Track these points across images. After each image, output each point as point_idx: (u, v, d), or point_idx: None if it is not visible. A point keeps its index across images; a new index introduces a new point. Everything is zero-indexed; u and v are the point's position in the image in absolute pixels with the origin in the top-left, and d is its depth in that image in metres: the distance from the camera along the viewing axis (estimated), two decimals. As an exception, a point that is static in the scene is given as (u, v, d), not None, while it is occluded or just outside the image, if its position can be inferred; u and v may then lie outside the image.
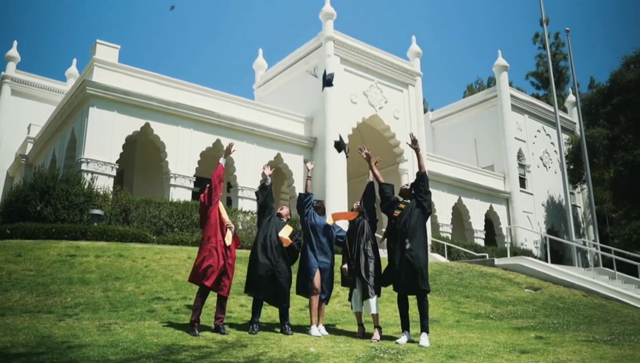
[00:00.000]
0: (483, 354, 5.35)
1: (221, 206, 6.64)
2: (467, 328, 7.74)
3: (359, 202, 6.99)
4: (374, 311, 6.32)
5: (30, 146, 20.77)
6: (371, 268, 6.42)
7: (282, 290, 6.53)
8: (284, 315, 6.55)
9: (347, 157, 7.38)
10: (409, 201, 6.52)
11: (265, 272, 6.47)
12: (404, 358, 5.04)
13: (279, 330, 6.60)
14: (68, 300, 7.53)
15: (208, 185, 6.53)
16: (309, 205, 7.06)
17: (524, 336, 7.01)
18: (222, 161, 6.64)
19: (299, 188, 19.25)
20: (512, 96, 28.18)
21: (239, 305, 8.12)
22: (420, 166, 6.53)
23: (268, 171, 7.28)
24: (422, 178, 6.49)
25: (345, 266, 6.71)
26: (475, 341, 6.33)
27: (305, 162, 7.67)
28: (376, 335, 6.23)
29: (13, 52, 23.56)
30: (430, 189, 18.51)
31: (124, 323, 6.34)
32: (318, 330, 6.50)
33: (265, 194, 7.08)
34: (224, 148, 17.33)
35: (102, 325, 6.12)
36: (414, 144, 6.58)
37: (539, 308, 10.22)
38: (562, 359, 5.27)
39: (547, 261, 15.83)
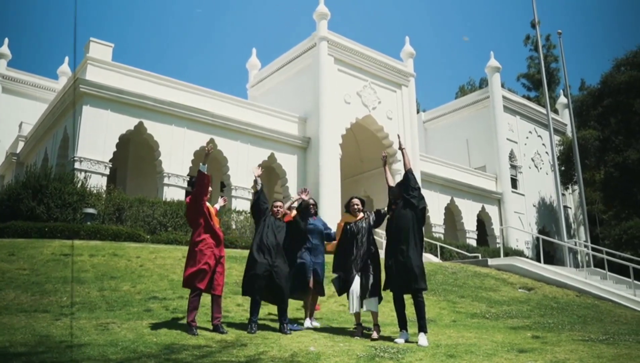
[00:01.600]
0: (482, 353, 5.37)
1: (209, 206, 6.60)
2: (464, 327, 7.77)
3: (359, 201, 6.93)
4: (374, 309, 6.36)
5: (21, 144, 20.60)
6: (372, 267, 6.44)
7: (280, 290, 6.50)
8: (282, 314, 6.53)
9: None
10: (399, 201, 6.52)
11: (262, 272, 6.42)
12: (404, 358, 5.05)
13: (277, 329, 6.58)
14: (64, 299, 7.47)
15: (191, 189, 6.58)
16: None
17: (521, 335, 7.05)
18: (203, 168, 6.41)
19: (293, 188, 19.25)
20: (504, 97, 28.38)
21: (236, 305, 8.09)
22: (405, 163, 6.57)
23: (258, 172, 7.14)
24: (406, 175, 6.48)
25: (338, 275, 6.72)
26: (473, 340, 6.36)
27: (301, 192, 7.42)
28: (374, 335, 6.25)
29: (4, 49, 23.40)
30: (424, 189, 18.58)
31: (121, 322, 6.31)
32: (310, 323, 6.92)
33: (255, 198, 7.01)
34: (218, 147, 17.47)
35: (99, 325, 6.08)
36: (401, 146, 6.77)
37: (533, 308, 10.29)
38: (560, 358, 5.30)
39: (539, 261, 15.92)
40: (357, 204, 6.86)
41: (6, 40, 23.47)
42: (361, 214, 6.79)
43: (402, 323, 6.24)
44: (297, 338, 5.94)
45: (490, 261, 15.20)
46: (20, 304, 7.11)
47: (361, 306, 6.43)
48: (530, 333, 7.38)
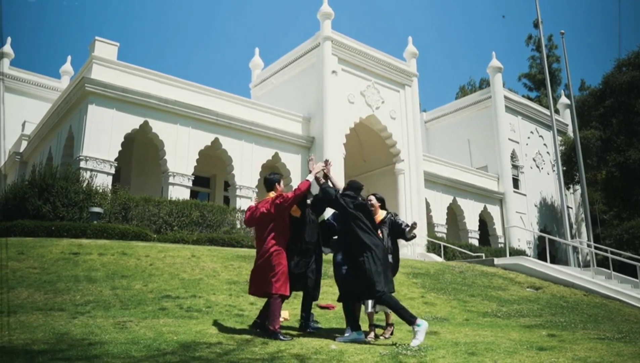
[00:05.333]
0: (503, 351, 5.37)
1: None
2: (478, 326, 7.78)
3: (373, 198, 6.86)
4: (388, 310, 6.37)
5: (24, 144, 20.52)
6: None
7: (311, 282, 6.29)
8: (307, 308, 6.40)
9: None
10: None
11: (298, 271, 6.17)
12: (426, 355, 5.04)
13: (296, 327, 6.56)
14: (77, 297, 7.44)
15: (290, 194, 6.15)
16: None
17: (536, 334, 7.05)
18: (309, 177, 6.32)
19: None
20: (505, 97, 28.44)
21: (249, 303, 8.06)
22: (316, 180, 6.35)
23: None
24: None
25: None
26: (490, 338, 6.36)
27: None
28: (388, 334, 6.32)
29: (7, 48, 23.33)
30: (426, 189, 18.58)
31: (138, 321, 6.29)
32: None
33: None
34: (222, 147, 17.46)
35: (117, 323, 6.06)
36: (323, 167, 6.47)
37: (543, 307, 10.30)
38: (581, 356, 5.30)
39: (546, 261, 15.94)
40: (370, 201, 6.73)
41: (9, 40, 23.42)
42: (381, 214, 6.72)
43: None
44: (317, 337, 5.93)
45: (497, 261, 15.22)
46: (34, 302, 7.08)
47: (374, 307, 6.41)
48: (545, 331, 7.39)
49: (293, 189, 6.60)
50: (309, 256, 6.29)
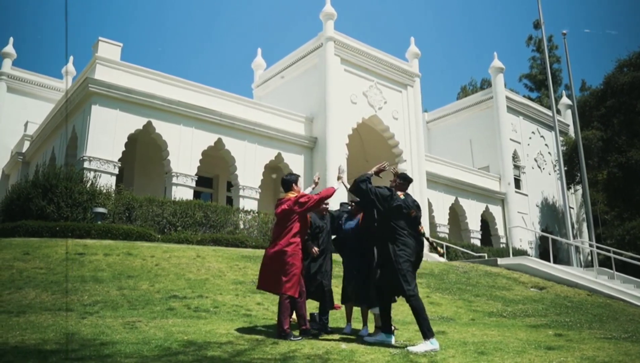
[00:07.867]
0: (511, 350, 5.39)
1: None
2: (484, 326, 7.80)
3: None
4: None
5: (27, 144, 20.53)
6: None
7: (322, 288, 6.37)
8: (324, 312, 6.40)
9: None
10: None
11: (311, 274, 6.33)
12: (436, 355, 5.07)
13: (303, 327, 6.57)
14: (85, 298, 7.46)
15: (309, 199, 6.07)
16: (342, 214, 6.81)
17: (543, 334, 7.08)
18: (336, 185, 6.30)
19: (300, 189, 19.18)
20: (507, 97, 28.45)
21: (256, 304, 8.09)
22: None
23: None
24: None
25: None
26: (498, 338, 6.38)
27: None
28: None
29: (9, 48, 23.32)
30: (428, 189, 18.73)
31: (147, 321, 6.30)
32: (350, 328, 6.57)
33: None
34: (225, 147, 17.48)
35: (126, 323, 6.08)
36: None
37: (548, 306, 10.33)
38: (589, 355, 5.32)
39: (548, 261, 15.96)
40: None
41: (11, 40, 23.41)
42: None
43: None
44: (327, 337, 5.96)
45: (500, 261, 15.24)
46: (42, 303, 7.10)
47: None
48: (552, 331, 7.41)
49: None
50: (323, 259, 6.38)
